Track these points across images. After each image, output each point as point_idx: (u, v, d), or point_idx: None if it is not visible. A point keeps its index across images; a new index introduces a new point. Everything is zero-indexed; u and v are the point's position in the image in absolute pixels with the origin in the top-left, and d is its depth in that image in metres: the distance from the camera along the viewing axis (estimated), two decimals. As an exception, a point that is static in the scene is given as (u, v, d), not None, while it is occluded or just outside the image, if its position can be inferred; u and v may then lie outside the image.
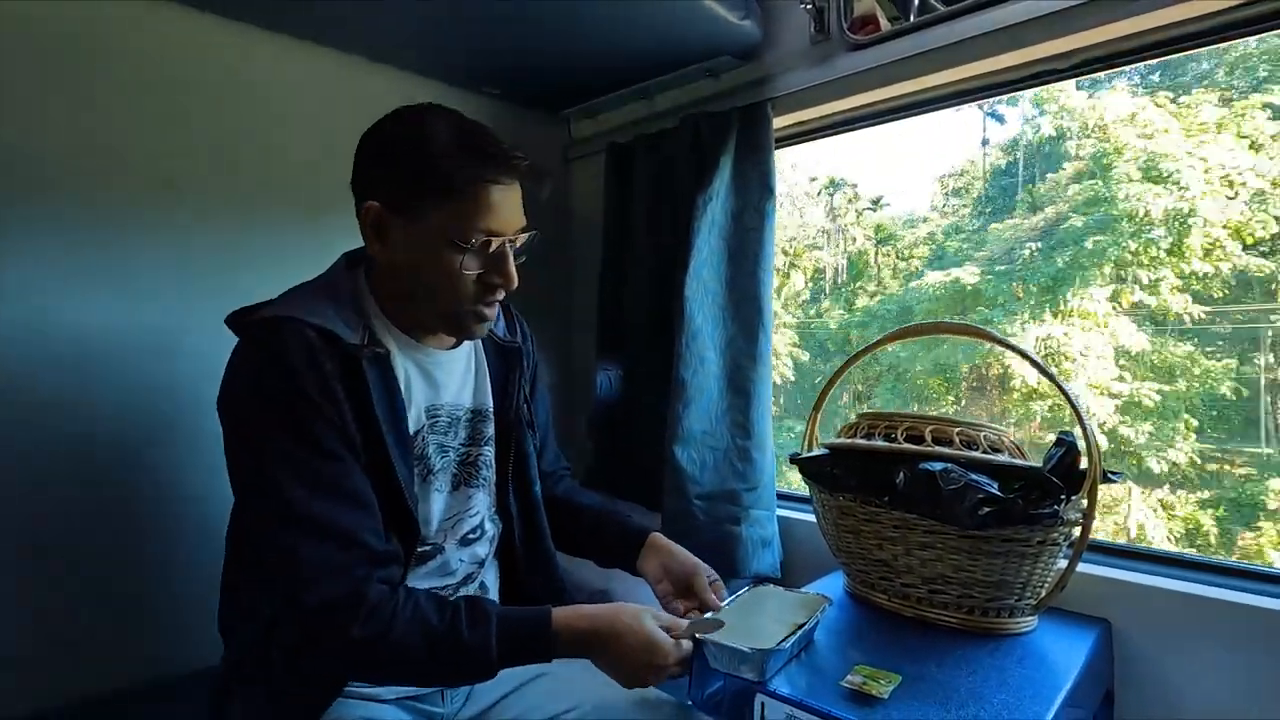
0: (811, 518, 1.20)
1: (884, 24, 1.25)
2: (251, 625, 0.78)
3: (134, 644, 1.11)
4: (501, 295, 0.83)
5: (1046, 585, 0.98)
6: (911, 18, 1.21)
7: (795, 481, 1.37)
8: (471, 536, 0.91)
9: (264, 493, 0.71)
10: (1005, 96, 1.27)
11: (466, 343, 0.92)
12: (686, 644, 0.78)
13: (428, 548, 0.85)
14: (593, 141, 1.71)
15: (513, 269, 0.81)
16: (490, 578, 0.96)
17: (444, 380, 0.89)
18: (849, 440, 1.08)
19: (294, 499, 0.69)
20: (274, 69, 1.28)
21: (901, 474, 0.95)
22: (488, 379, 0.95)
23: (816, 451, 1.14)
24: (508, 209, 0.79)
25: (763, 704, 0.80)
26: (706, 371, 1.37)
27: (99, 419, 1.08)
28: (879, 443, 1.03)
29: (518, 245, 0.82)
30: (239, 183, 1.24)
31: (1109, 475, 0.95)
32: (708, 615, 0.86)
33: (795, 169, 7.50)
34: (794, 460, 1.16)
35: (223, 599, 0.84)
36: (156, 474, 1.14)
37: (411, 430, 0.82)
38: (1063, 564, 0.98)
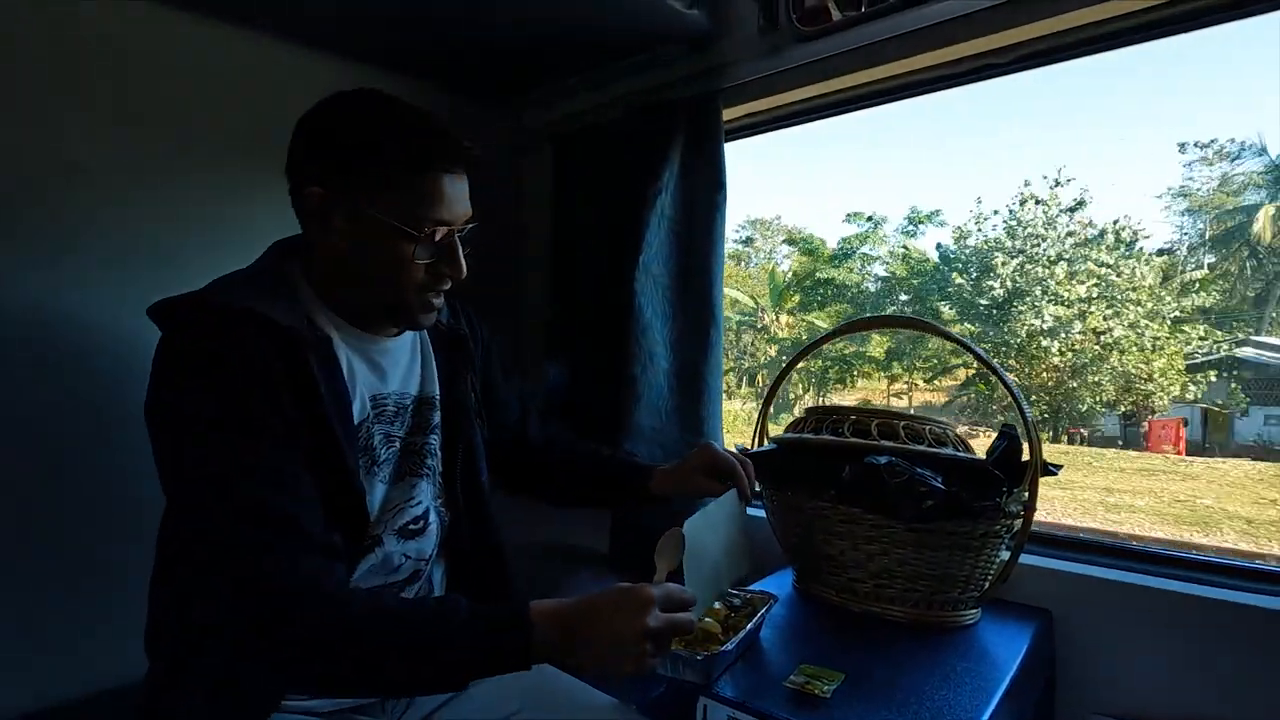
0: (761, 513, 1.19)
1: (834, 15, 1.24)
2: (182, 635, 0.73)
3: (45, 661, 1.04)
4: (449, 285, 0.82)
5: (989, 577, 0.99)
6: (862, 9, 1.21)
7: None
8: (413, 528, 0.87)
9: (201, 483, 0.65)
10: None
11: (410, 331, 0.90)
12: (670, 584, 0.71)
13: (367, 540, 0.81)
14: (541, 132, 1.66)
15: (462, 259, 0.80)
16: (437, 575, 0.93)
17: (389, 368, 0.86)
18: (796, 435, 1.07)
19: (235, 488, 0.64)
20: (183, 48, 1.20)
21: (847, 468, 0.94)
22: (434, 367, 0.92)
23: (765, 447, 1.13)
24: (458, 199, 0.78)
25: (705, 706, 0.78)
26: (656, 366, 1.35)
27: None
28: (826, 437, 1.02)
29: (464, 234, 0.81)
30: (150, 167, 1.16)
31: (1049, 467, 0.96)
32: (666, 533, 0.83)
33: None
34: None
35: (151, 609, 0.78)
36: (64, 475, 1.07)
37: (356, 420, 0.79)
38: (1005, 555, 0.99)
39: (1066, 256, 11.96)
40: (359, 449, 0.79)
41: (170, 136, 1.18)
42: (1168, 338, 11.02)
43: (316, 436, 0.71)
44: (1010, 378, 0.96)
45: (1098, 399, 11.50)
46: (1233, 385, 11.66)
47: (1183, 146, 17.26)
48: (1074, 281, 11.68)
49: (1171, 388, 10.84)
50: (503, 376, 1.07)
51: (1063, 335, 11.23)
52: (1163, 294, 11.57)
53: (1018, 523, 0.95)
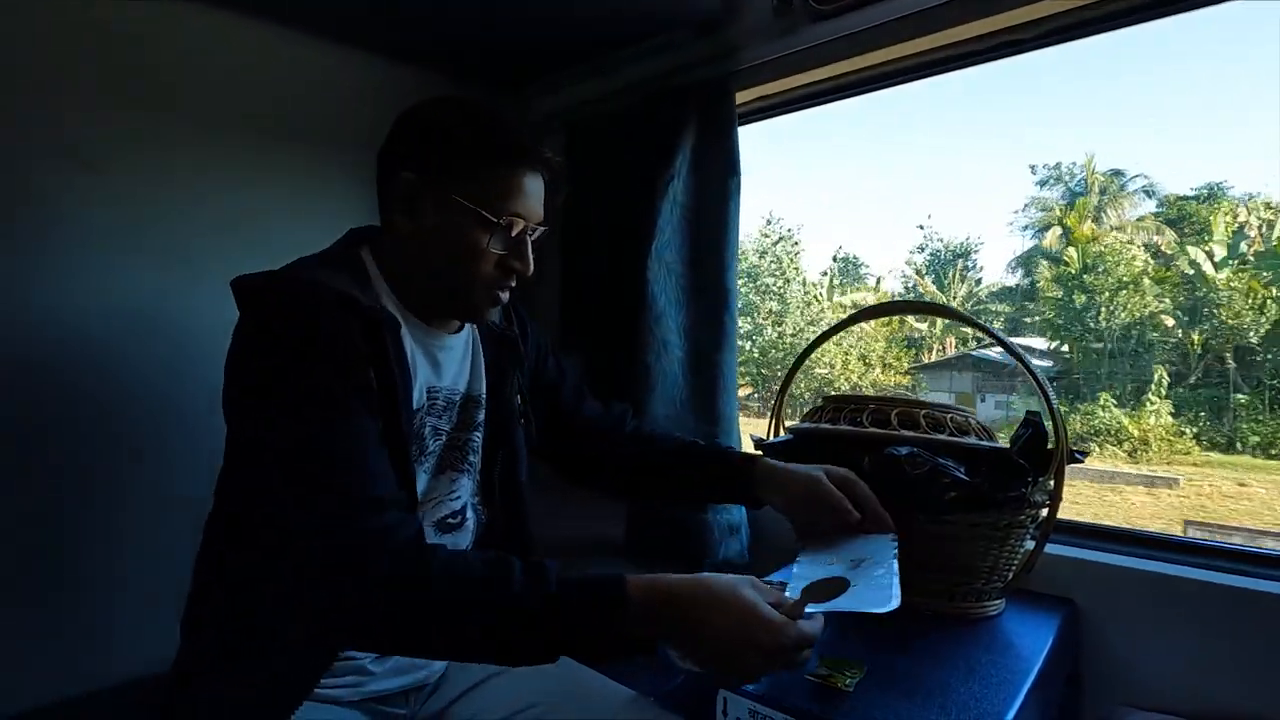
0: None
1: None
2: (237, 613, 0.74)
3: (59, 654, 1.05)
4: (515, 282, 0.85)
5: (1013, 567, 0.97)
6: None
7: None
8: (451, 521, 0.89)
9: (285, 460, 0.66)
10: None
11: (466, 329, 0.92)
12: (808, 623, 0.64)
13: None
14: (551, 121, 1.64)
15: (531, 257, 0.84)
16: None
17: (445, 363, 0.88)
18: (814, 424, 1.05)
19: (323, 448, 0.65)
20: (190, 41, 1.18)
21: (867, 459, 0.93)
22: (483, 366, 0.94)
23: (782, 437, 1.11)
24: (536, 198, 0.83)
25: (725, 699, 0.77)
26: (670, 356, 1.33)
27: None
28: (844, 427, 1.00)
29: (535, 237, 0.85)
30: (158, 161, 1.16)
31: (1075, 455, 0.93)
32: (820, 578, 0.75)
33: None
34: (759, 446, 1.13)
35: (193, 591, 0.79)
36: (77, 470, 1.08)
37: (414, 407, 0.81)
38: (1030, 545, 0.97)
39: (777, 281, 16.99)
40: (413, 435, 0.81)
41: (176, 132, 1.17)
42: (835, 342, 14.87)
43: (385, 416, 0.73)
44: (1034, 363, 0.94)
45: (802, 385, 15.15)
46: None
47: (1033, 168, 20.76)
48: (767, 298, 16.79)
49: (846, 377, 15.42)
50: (557, 366, 1.07)
51: (757, 338, 15.83)
52: (818, 304, 17.78)
53: (1043, 512, 0.93)
